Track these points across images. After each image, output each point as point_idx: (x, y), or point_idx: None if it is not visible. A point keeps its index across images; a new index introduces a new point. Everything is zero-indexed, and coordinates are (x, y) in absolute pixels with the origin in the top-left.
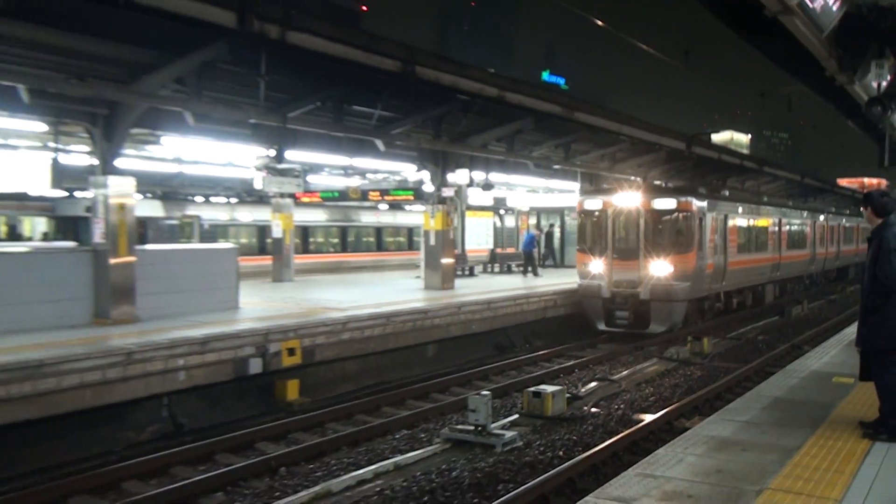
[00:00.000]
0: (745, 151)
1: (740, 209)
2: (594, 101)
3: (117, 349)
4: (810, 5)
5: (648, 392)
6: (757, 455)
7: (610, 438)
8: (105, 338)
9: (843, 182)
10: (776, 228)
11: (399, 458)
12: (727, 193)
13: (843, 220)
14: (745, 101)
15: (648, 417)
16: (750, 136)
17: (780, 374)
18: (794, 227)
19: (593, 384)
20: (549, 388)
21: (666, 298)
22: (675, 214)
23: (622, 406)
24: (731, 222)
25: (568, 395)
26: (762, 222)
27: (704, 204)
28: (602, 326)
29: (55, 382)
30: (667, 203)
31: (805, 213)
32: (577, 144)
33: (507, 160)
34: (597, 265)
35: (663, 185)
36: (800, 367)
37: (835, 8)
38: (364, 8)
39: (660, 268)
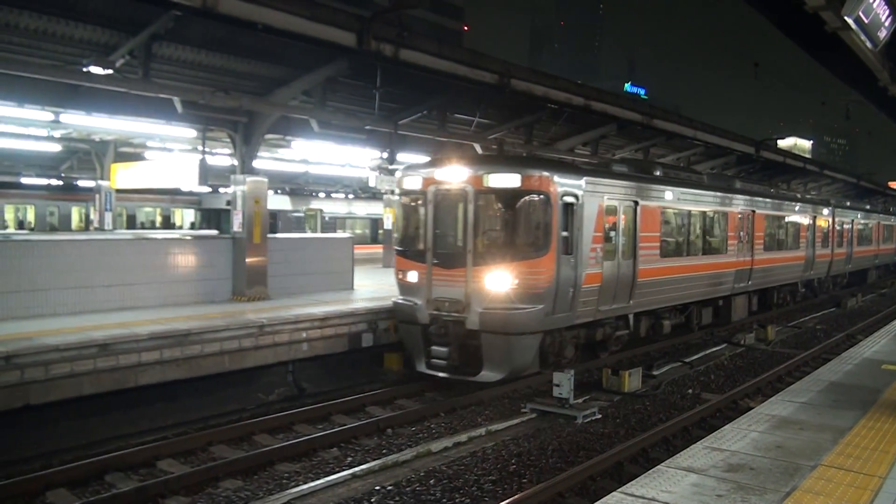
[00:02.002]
0: (808, 156)
1: (668, 194)
2: (671, 110)
3: (252, 322)
4: (865, 21)
5: (717, 374)
6: (813, 433)
7: (681, 415)
8: (242, 312)
9: (894, 184)
10: (746, 223)
11: (491, 425)
12: (659, 173)
13: (858, 216)
14: (807, 110)
15: (716, 397)
16: (812, 141)
17: (835, 361)
18: (779, 222)
19: (668, 366)
20: (627, 368)
21: (504, 329)
22: (524, 198)
23: (693, 385)
24: (645, 212)
25: (644, 374)
26: (717, 215)
27: (580, 182)
28: (422, 367)
29: (199, 349)
30: (507, 179)
31: (797, 205)
32: (656, 148)
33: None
34: (414, 275)
35: (520, 153)
36: (853, 355)
37: (887, 24)
38: (465, 27)
39: (496, 281)
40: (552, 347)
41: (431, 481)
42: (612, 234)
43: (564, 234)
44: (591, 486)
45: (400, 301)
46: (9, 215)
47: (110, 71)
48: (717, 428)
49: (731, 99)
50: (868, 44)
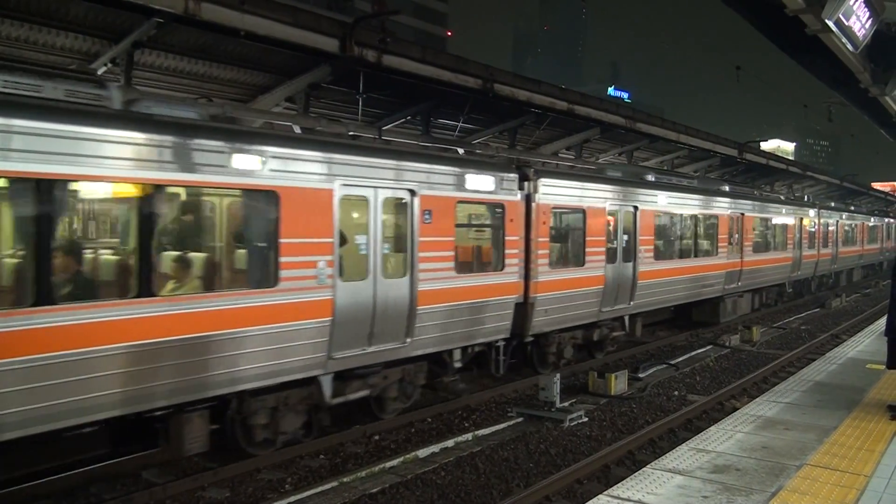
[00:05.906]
0: (792, 158)
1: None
2: (655, 113)
3: None
4: (846, 23)
5: (703, 375)
6: (798, 433)
7: (666, 416)
8: None
9: (877, 185)
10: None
11: (478, 430)
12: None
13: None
14: (789, 112)
15: (702, 398)
16: (795, 144)
17: (820, 361)
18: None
19: (653, 368)
20: (613, 371)
21: None
22: None
23: (679, 387)
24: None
25: (630, 376)
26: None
27: None
28: None
29: None
30: None
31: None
32: (640, 152)
33: (575, 166)
34: None
35: None
36: (837, 355)
37: (867, 26)
38: (449, 33)
39: None
40: None
41: (419, 487)
42: None
43: None
44: (577, 490)
45: None
46: None
47: None
48: (702, 429)
49: (714, 102)
50: (848, 46)
